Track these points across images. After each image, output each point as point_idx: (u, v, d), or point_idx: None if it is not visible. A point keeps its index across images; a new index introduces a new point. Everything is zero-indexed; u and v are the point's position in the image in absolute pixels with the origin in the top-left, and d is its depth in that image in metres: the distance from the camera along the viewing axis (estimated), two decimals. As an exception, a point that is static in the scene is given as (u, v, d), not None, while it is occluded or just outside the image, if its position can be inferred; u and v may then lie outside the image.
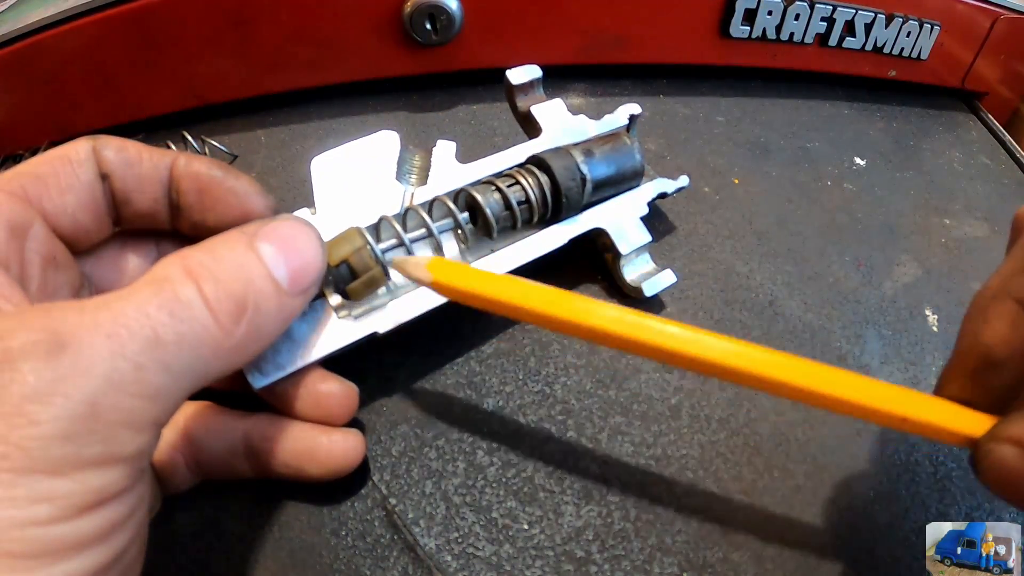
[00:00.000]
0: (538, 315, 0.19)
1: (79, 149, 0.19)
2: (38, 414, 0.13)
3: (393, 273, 0.23)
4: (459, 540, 0.22)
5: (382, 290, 0.23)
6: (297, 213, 0.23)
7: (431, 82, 0.38)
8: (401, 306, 0.23)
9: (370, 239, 0.22)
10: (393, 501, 0.22)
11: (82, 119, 0.34)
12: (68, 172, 0.19)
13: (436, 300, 0.23)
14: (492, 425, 0.24)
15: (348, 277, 0.22)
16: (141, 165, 0.20)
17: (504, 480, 0.23)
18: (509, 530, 0.22)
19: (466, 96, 0.38)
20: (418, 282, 0.22)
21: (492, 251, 0.25)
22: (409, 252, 0.23)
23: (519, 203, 0.25)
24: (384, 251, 0.22)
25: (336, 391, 0.22)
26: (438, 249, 0.24)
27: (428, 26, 0.34)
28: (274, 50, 0.34)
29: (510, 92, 0.29)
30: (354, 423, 0.24)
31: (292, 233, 0.18)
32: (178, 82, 0.34)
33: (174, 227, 0.22)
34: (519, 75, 0.28)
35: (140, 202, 0.21)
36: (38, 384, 0.13)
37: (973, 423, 0.17)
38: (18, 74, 0.32)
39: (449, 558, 0.21)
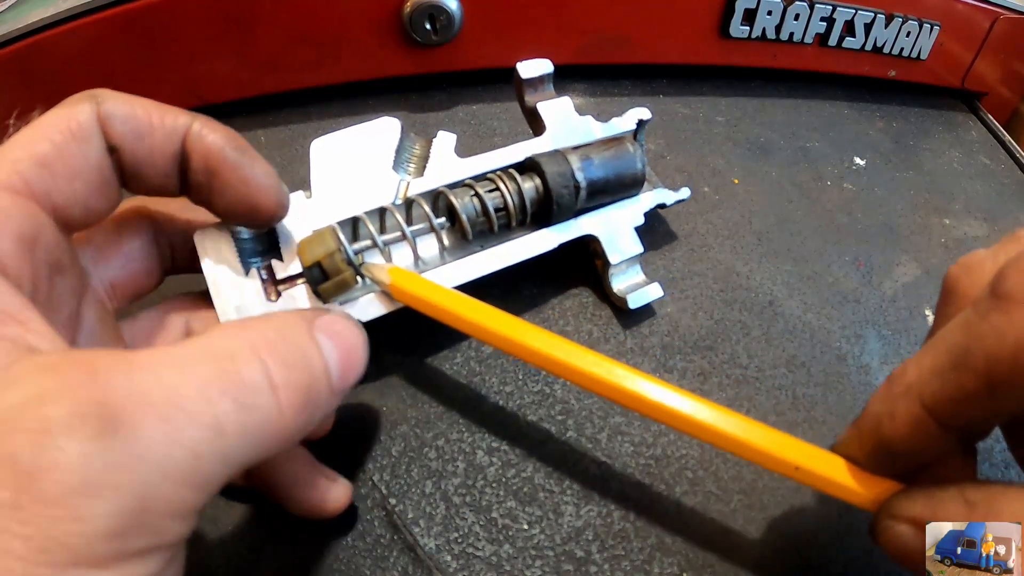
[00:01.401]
0: (473, 326, 0.21)
1: (81, 119, 0.17)
2: (86, 509, 0.11)
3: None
4: (459, 540, 0.22)
5: (359, 284, 0.23)
6: (292, 195, 0.23)
7: (431, 82, 0.38)
8: (380, 300, 0.23)
9: (344, 241, 0.22)
10: (393, 501, 0.22)
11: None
12: (74, 152, 0.17)
13: None
14: (492, 425, 0.24)
15: (320, 278, 0.22)
16: (153, 136, 0.18)
17: (504, 480, 0.23)
18: (509, 530, 0.22)
19: (466, 96, 0.38)
20: (381, 286, 0.23)
21: (482, 248, 0.25)
22: (384, 253, 0.23)
23: (497, 210, 0.25)
24: (357, 252, 0.23)
25: (332, 491, 0.21)
26: (414, 251, 0.24)
27: (428, 26, 0.34)
28: (274, 50, 0.34)
29: (519, 86, 0.28)
30: (354, 422, 0.24)
31: (347, 333, 0.17)
32: (178, 82, 0.34)
33: (183, 195, 0.20)
34: (529, 69, 0.28)
35: (151, 177, 0.19)
36: (87, 472, 0.11)
37: (870, 485, 0.18)
38: (18, 74, 0.32)
39: (449, 558, 0.21)
